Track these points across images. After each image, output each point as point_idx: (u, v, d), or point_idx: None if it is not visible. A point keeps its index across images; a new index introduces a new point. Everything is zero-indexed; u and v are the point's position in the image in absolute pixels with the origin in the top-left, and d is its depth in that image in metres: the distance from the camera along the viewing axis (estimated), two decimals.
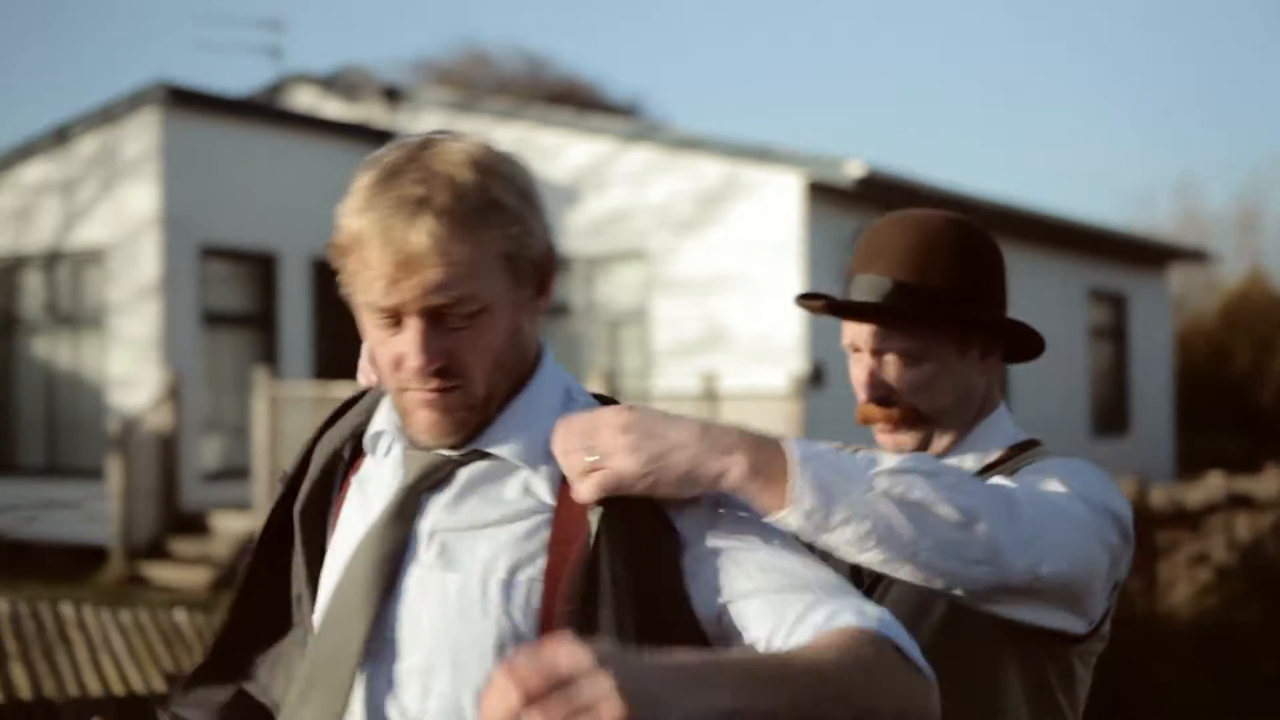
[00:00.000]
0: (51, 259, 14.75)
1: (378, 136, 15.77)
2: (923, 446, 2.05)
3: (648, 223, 14.35)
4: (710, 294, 13.89)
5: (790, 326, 13.42)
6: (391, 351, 1.64)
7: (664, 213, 14.29)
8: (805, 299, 2.17)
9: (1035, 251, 16.90)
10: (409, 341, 1.63)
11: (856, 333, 2.06)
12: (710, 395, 11.91)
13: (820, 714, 1.42)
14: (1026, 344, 2.09)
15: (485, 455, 1.69)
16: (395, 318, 1.63)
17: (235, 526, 12.96)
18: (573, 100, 27.78)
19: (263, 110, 15.39)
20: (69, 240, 14.57)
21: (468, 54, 29.34)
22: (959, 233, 2.05)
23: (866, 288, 2.03)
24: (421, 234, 1.59)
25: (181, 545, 13.05)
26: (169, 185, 13.88)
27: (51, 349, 14.84)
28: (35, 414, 14.85)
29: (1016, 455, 2.04)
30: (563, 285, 14.88)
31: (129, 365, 13.99)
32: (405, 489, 1.69)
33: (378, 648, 1.66)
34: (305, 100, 16.84)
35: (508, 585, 1.64)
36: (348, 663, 1.65)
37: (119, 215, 14.16)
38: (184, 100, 14.04)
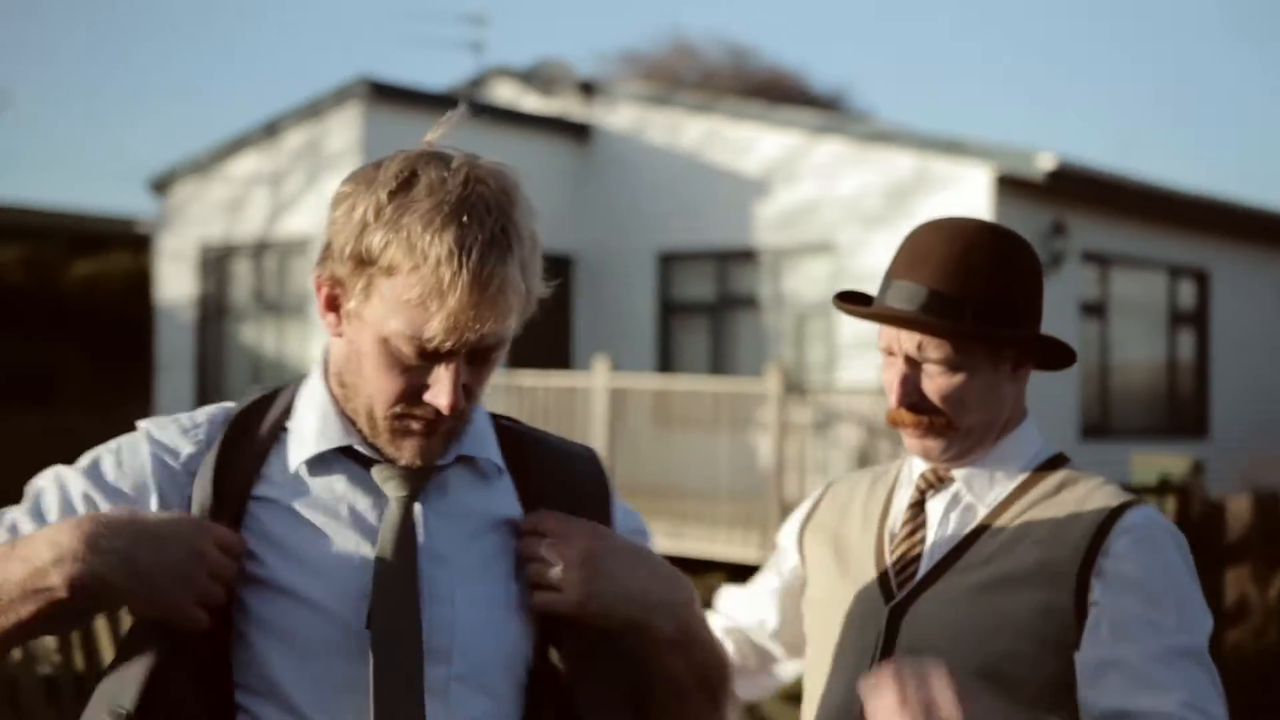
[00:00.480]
0: (259, 248, 15.38)
1: (574, 130, 16.06)
2: (950, 453, 2.06)
3: (836, 215, 14.31)
4: None
5: None
6: (407, 384, 1.64)
7: (853, 205, 14.22)
8: (844, 300, 2.22)
9: (1235, 247, 16.36)
10: (443, 380, 1.63)
11: (893, 338, 2.08)
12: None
13: None
14: (1057, 356, 2.10)
15: (461, 460, 1.77)
16: (433, 354, 1.62)
17: None
18: (776, 91, 27.78)
19: (457, 103, 15.74)
20: (276, 230, 15.17)
21: (673, 46, 29.60)
22: (1001, 244, 2.06)
23: (906, 295, 2.06)
24: (508, 282, 1.61)
25: None
26: None
27: (258, 334, 15.48)
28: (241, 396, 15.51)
29: (1046, 476, 2.08)
30: (750, 277, 14.95)
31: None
32: (403, 499, 1.69)
33: (427, 656, 1.67)
34: (505, 94, 17.20)
35: (521, 589, 1.74)
36: (412, 676, 1.64)
37: (323, 206, 14.48)
38: (385, 95, 14.49)
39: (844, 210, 14.27)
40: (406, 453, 1.68)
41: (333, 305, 1.69)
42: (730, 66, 29.03)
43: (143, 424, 1.76)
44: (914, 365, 2.05)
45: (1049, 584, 1.95)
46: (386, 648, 1.63)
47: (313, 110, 14.82)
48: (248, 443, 1.74)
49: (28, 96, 48.97)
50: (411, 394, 1.65)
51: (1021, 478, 2.06)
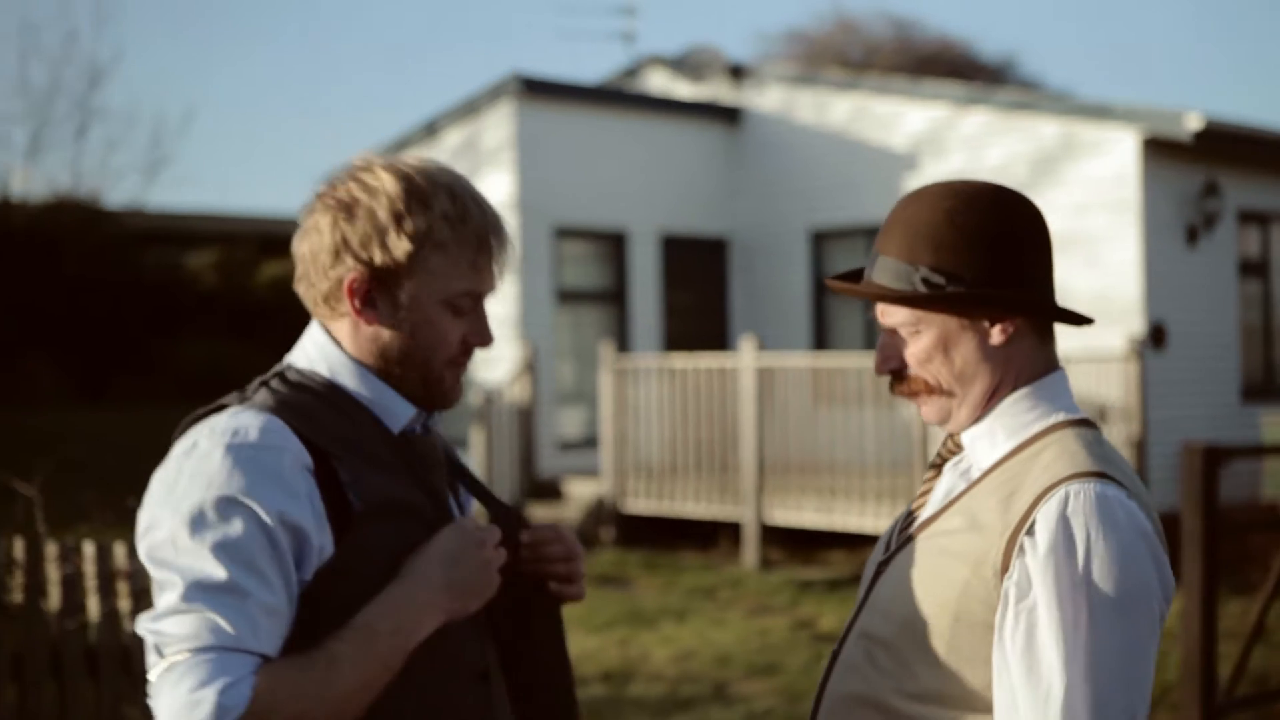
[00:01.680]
0: None
1: (724, 114, 16.27)
2: (945, 417, 2.03)
3: None
4: None
5: (1130, 286, 13.13)
6: (458, 333, 1.99)
7: (1001, 175, 14.17)
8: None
9: None
10: (484, 320, 2.03)
11: (876, 309, 2.06)
12: None
13: None
14: (1059, 313, 2.02)
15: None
16: (476, 301, 2.01)
17: (585, 492, 13.75)
18: (942, 63, 27.55)
19: (609, 95, 16.12)
20: None
21: (836, 22, 29.53)
22: (963, 205, 1.97)
23: (874, 264, 2.03)
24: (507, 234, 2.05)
25: (537, 509, 13.93)
26: (524, 171, 14.77)
27: None
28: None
29: (1034, 443, 1.96)
30: None
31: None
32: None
33: None
34: (658, 82, 17.49)
35: None
36: None
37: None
38: (536, 90, 14.89)
39: (993, 179, 14.15)
40: (456, 394, 2.04)
41: (369, 299, 1.97)
42: (895, 40, 28.86)
43: (241, 497, 1.81)
44: (892, 333, 2.03)
45: (980, 553, 1.90)
46: None
47: (469, 108, 15.30)
48: (339, 439, 1.93)
49: (215, 109, 50.83)
50: (464, 339, 2.01)
51: (1018, 440, 1.98)
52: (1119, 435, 12.47)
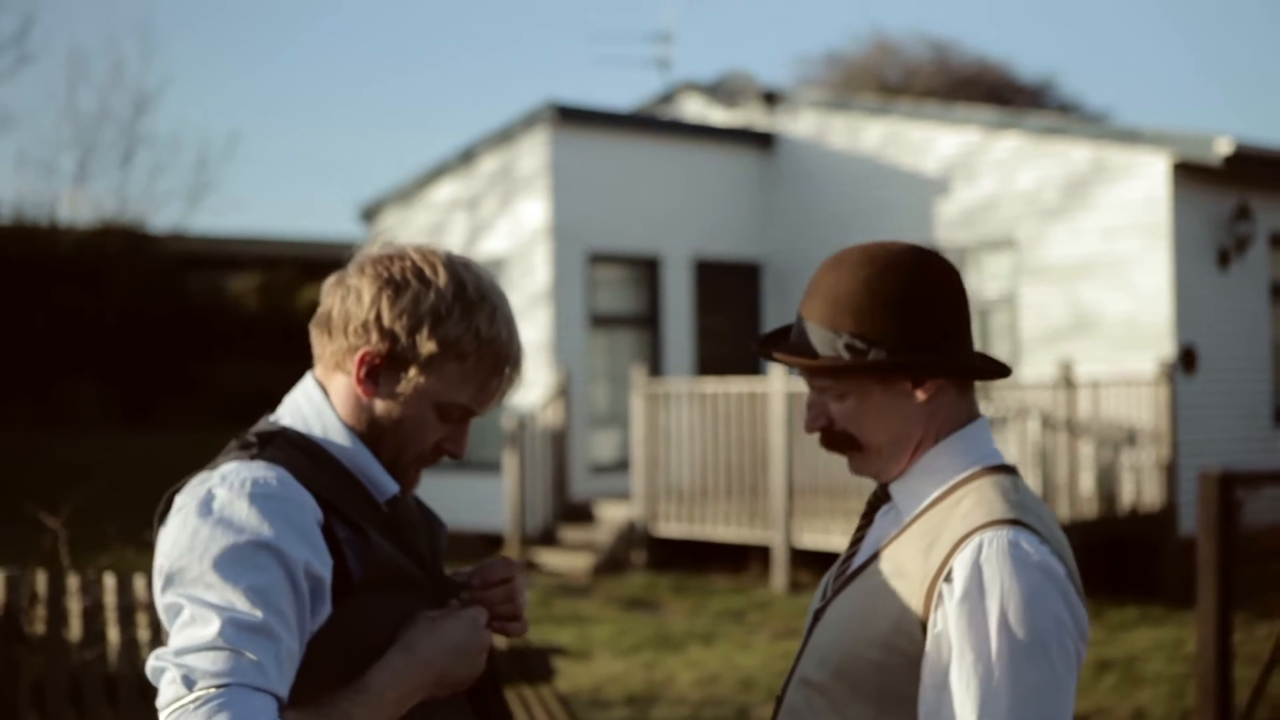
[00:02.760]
0: None
1: (758, 139, 16.40)
2: (872, 471, 2.13)
3: (1016, 210, 14.35)
4: (1078, 279, 13.76)
5: (1160, 310, 13.15)
6: (437, 437, 2.06)
7: (1032, 199, 14.24)
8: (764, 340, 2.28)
9: None
10: (462, 434, 2.09)
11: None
12: (1067, 383, 11.87)
13: None
14: (975, 371, 2.11)
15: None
16: (465, 416, 2.08)
17: (617, 515, 13.87)
18: (981, 85, 27.57)
19: (642, 121, 16.28)
20: (474, 251, 15.87)
21: (874, 45, 29.59)
22: (877, 272, 2.06)
23: (797, 330, 2.13)
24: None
25: (569, 533, 14.06)
26: (558, 198, 14.94)
27: None
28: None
29: (954, 491, 2.05)
30: None
31: (524, 366, 15.14)
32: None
33: None
34: (692, 108, 17.63)
35: None
36: None
37: (515, 228, 15.34)
38: (571, 117, 15.06)
39: (1023, 205, 14.30)
40: (415, 484, 2.12)
41: (374, 376, 2.04)
42: (933, 61, 28.90)
43: (272, 544, 1.87)
44: (820, 392, 2.11)
45: (903, 601, 1.99)
46: None
47: (504, 136, 15.48)
48: (337, 500, 2.00)
49: (258, 135, 51.37)
50: (439, 444, 2.08)
51: (940, 490, 2.07)
52: (1148, 459, 12.50)
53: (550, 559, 13.77)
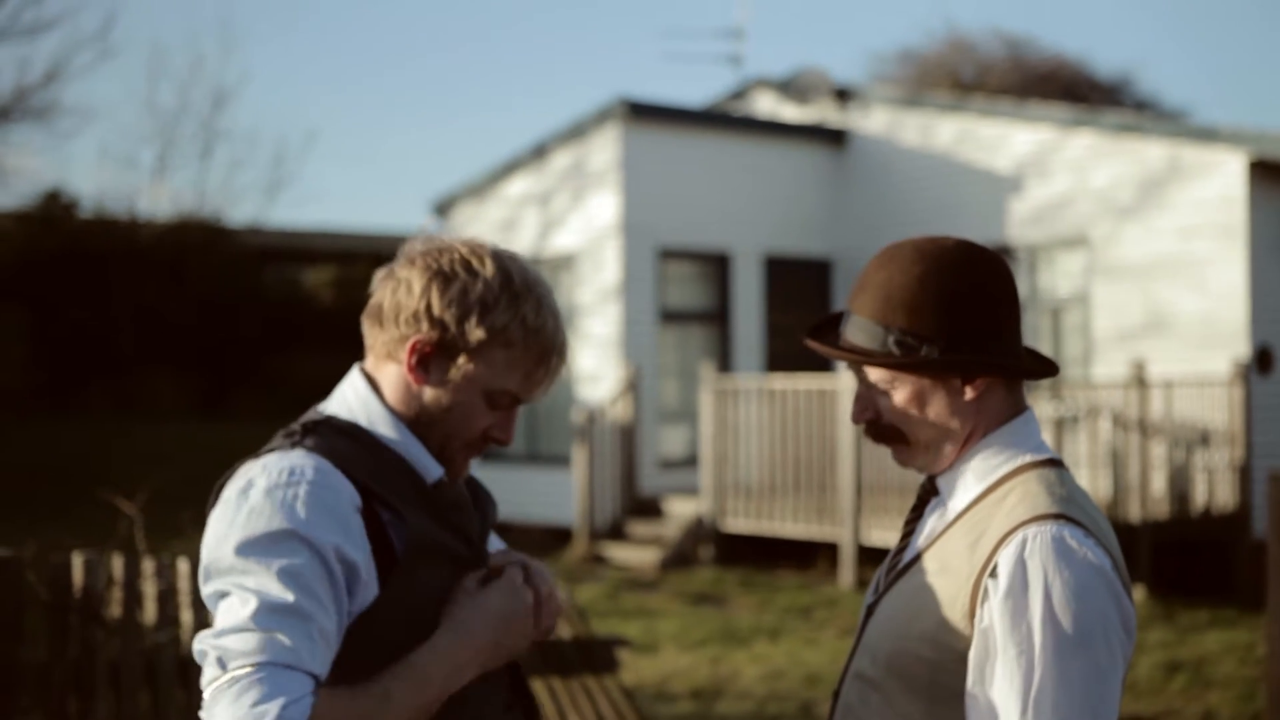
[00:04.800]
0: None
1: (830, 136, 16.38)
2: (919, 464, 2.15)
3: (1090, 209, 14.24)
4: (1152, 279, 13.65)
5: (1235, 310, 13.02)
6: (485, 424, 2.12)
7: (1106, 198, 14.14)
8: (814, 330, 2.35)
9: None
10: (510, 421, 2.14)
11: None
12: (1140, 383, 11.78)
13: None
14: (1026, 369, 2.13)
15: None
16: (513, 403, 2.11)
17: (685, 510, 13.92)
18: (1056, 81, 27.34)
19: (713, 117, 16.30)
20: (546, 247, 15.99)
21: (948, 42, 29.41)
22: (930, 269, 2.08)
23: (847, 323, 2.16)
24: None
25: (637, 527, 14.13)
26: (629, 194, 15.00)
27: None
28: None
29: (1001, 486, 2.08)
30: None
31: (594, 361, 15.24)
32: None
33: None
34: (764, 104, 17.63)
35: None
36: None
37: (586, 223, 15.42)
38: (642, 114, 15.12)
39: (1097, 203, 14.20)
40: (463, 473, 2.16)
41: (425, 364, 2.11)
42: (1007, 58, 28.68)
43: (302, 530, 1.93)
44: (868, 386, 2.14)
45: (951, 596, 2.01)
46: None
47: (576, 131, 15.56)
48: (380, 483, 2.05)
49: (335, 129, 51.88)
50: (486, 431, 2.12)
51: (987, 484, 2.09)
52: (1222, 460, 12.38)
53: (618, 553, 13.84)
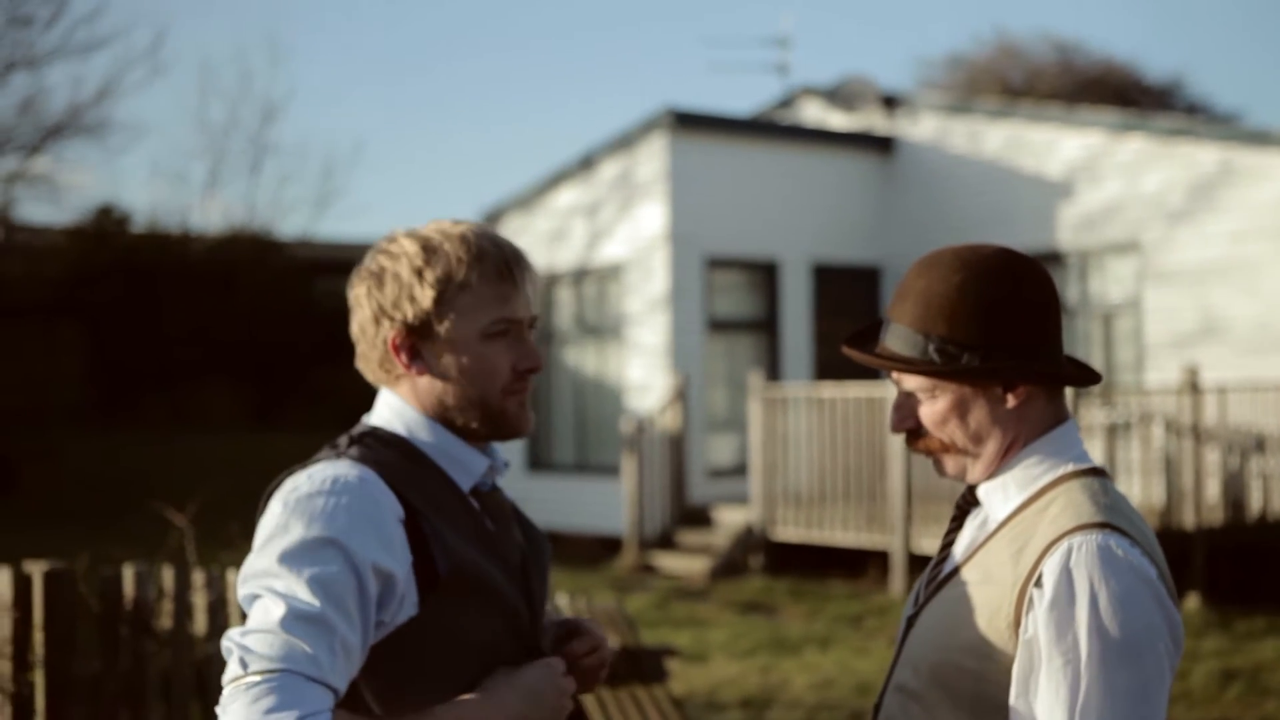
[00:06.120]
0: (579, 275, 16.26)
1: (878, 143, 16.33)
2: (960, 473, 2.14)
3: (1141, 214, 14.14)
4: (1204, 284, 13.53)
5: None
6: (507, 362, 2.13)
7: (1157, 203, 14.03)
8: (852, 338, 2.31)
9: None
10: (528, 344, 2.16)
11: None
12: (1193, 388, 11.66)
13: None
14: (1073, 376, 2.12)
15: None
16: (517, 327, 2.13)
17: (735, 519, 13.89)
18: (1106, 86, 27.15)
19: (760, 126, 16.29)
20: (593, 257, 16.01)
21: (997, 47, 29.27)
22: (970, 277, 2.07)
23: (887, 331, 2.14)
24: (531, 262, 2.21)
25: (687, 536, 14.11)
26: (676, 203, 15.00)
27: (579, 357, 16.35)
28: (566, 417, 16.41)
29: (1043, 495, 2.06)
30: (1056, 279, 14.81)
31: (643, 371, 15.24)
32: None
33: None
34: (811, 113, 17.61)
35: None
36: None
37: (634, 233, 15.44)
38: (688, 123, 15.13)
39: (1148, 208, 14.09)
40: (524, 421, 2.17)
41: (415, 353, 2.14)
42: (1057, 63, 28.51)
43: (340, 539, 1.94)
44: (908, 395, 2.13)
45: (994, 606, 2.00)
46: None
47: (623, 142, 15.59)
48: (424, 497, 2.07)
49: (382, 141, 52.14)
50: (513, 366, 2.13)
51: (1029, 493, 2.08)
52: (1277, 465, 12.24)
53: (668, 562, 13.83)
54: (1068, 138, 14.92)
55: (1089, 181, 14.64)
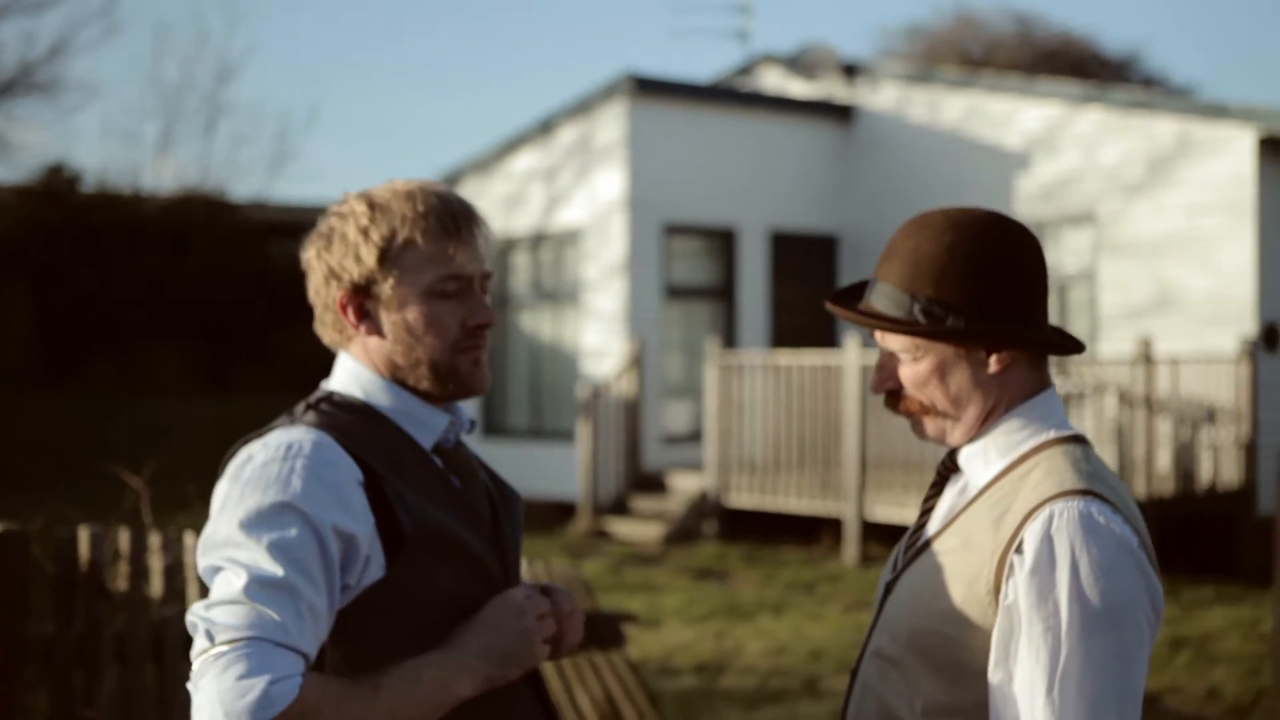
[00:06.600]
0: (536, 240, 16.19)
1: (837, 112, 16.31)
2: (938, 436, 2.12)
3: (1098, 186, 14.19)
4: (1160, 256, 13.60)
5: (1243, 288, 12.97)
6: (458, 316, 2.10)
7: (1114, 175, 14.08)
8: (839, 295, 2.28)
9: None
10: (478, 300, 2.13)
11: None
12: (1146, 360, 11.74)
13: None
14: (1057, 344, 2.09)
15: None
16: (466, 283, 2.10)
17: (689, 485, 13.91)
18: (1064, 58, 27.24)
19: (720, 93, 16.23)
20: (550, 223, 15.94)
21: (956, 18, 29.31)
22: (961, 239, 2.04)
23: (873, 290, 2.12)
24: (482, 216, 2.18)
25: (641, 502, 14.12)
26: (635, 169, 14.95)
27: (535, 322, 16.30)
28: (521, 382, 16.37)
29: (1024, 461, 2.05)
30: None
31: (600, 336, 15.21)
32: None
33: None
34: (771, 80, 17.56)
35: None
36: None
37: (592, 199, 15.38)
38: (649, 89, 15.05)
39: (1106, 180, 14.14)
40: (478, 379, 2.15)
41: (363, 312, 2.13)
42: (1016, 35, 28.57)
43: (297, 504, 1.92)
44: (890, 355, 2.11)
45: (974, 572, 1.98)
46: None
47: (583, 107, 15.50)
48: (384, 458, 2.05)
49: (339, 104, 51.74)
50: (462, 323, 2.11)
51: (1009, 460, 2.06)
52: (1228, 437, 12.35)
53: (622, 528, 13.84)
54: (1027, 109, 14.95)
55: (1047, 153, 14.68)
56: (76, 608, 4.04)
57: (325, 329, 2.17)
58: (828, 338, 15.85)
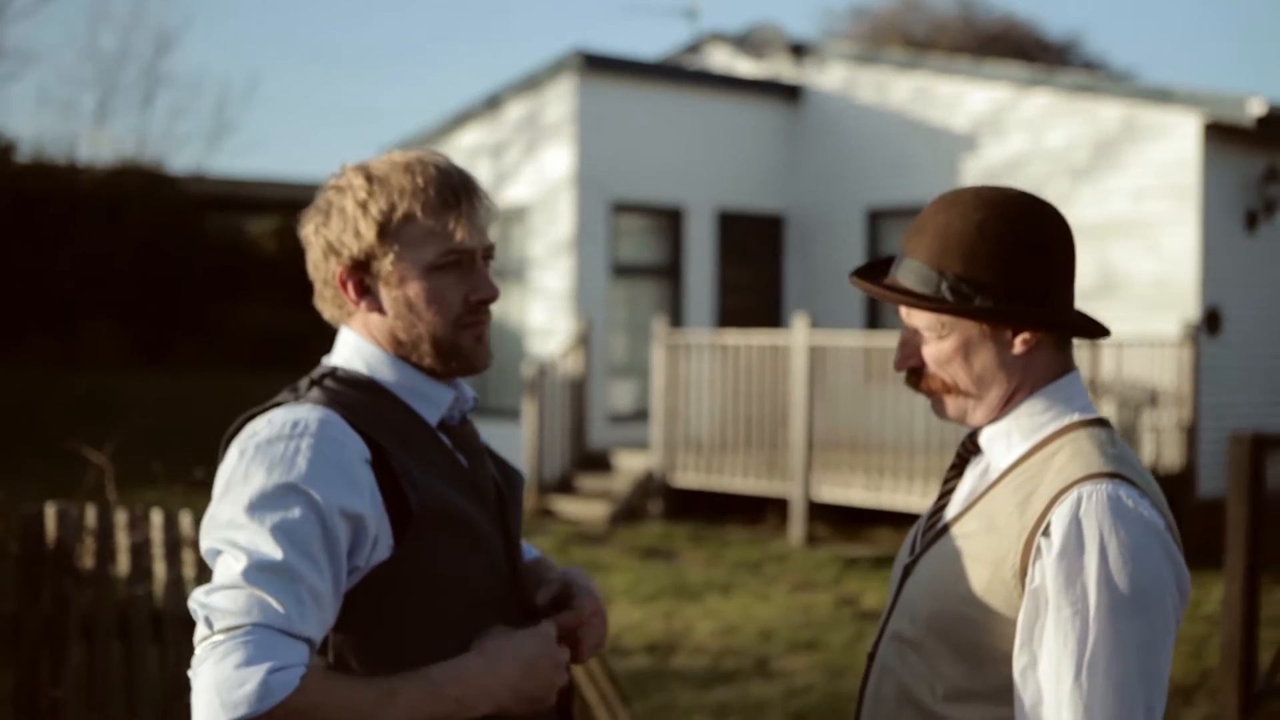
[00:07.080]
0: None
1: (785, 91, 16.31)
2: (960, 416, 2.11)
3: (1045, 169, 14.28)
4: (1104, 240, 13.71)
5: (1187, 272, 13.10)
6: (460, 292, 2.06)
7: (1060, 158, 14.18)
8: (863, 270, 2.23)
9: None
10: (481, 275, 2.08)
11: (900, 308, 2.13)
12: (1090, 343, 11.83)
13: None
14: (1083, 326, 2.09)
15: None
16: (468, 258, 2.06)
17: (635, 464, 13.90)
18: (1007, 42, 27.40)
19: (669, 71, 16.19)
20: (498, 199, 15.83)
21: (902, 0, 29.40)
22: (992, 217, 2.03)
23: (898, 266, 2.11)
24: (484, 188, 2.13)
25: (587, 481, 14.10)
26: (583, 146, 14.88)
27: None
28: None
29: (1049, 444, 2.03)
30: None
31: (546, 315, 15.16)
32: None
33: None
34: (719, 59, 17.53)
35: None
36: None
37: (540, 176, 15.30)
38: (597, 66, 14.99)
39: (1052, 163, 14.23)
40: (481, 356, 2.11)
41: (363, 288, 2.08)
42: (959, 18, 28.71)
43: (302, 485, 1.88)
44: (914, 332, 2.09)
45: (999, 555, 1.97)
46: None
47: (531, 83, 15.41)
48: (391, 435, 2.01)
49: (279, 77, 51.23)
50: (465, 298, 2.07)
51: (1033, 442, 2.05)
52: (1169, 420, 12.49)
53: (567, 507, 13.82)
54: (974, 91, 15.00)
55: (993, 135, 14.75)
56: (43, 586, 3.98)
57: (325, 304, 2.13)
58: (774, 317, 15.88)
